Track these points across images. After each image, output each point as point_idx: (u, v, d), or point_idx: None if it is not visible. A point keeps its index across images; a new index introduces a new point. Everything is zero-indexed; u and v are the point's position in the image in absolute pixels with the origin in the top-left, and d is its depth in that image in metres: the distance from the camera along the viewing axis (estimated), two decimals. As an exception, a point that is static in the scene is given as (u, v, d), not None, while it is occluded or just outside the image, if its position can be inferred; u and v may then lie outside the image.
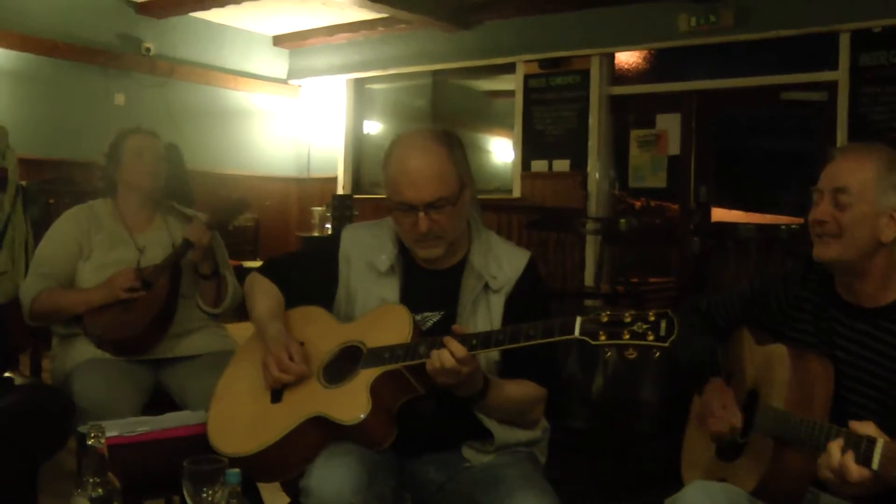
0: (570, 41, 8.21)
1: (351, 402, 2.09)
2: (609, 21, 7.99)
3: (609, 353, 1.89)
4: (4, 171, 5.19)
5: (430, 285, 2.31)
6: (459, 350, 2.01)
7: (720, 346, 2.36)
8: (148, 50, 8.90)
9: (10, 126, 5.48)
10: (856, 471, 1.68)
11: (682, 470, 2.36)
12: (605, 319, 1.88)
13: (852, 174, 2.00)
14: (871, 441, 1.67)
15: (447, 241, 2.26)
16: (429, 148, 2.21)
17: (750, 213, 9.24)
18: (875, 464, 1.65)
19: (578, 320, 1.91)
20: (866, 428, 1.71)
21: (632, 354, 1.85)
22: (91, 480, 1.64)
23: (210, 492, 1.71)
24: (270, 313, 2.37)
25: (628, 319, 1.86)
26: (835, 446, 1.72)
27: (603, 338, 1.87)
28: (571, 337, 1.92)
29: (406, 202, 2.20)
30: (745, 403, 2.19)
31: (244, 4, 8.47)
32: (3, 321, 2.67)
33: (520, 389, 2.24)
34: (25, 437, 2.44)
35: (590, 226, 7.11)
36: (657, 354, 1.83)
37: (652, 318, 1.84)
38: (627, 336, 1.85)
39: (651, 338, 1.82)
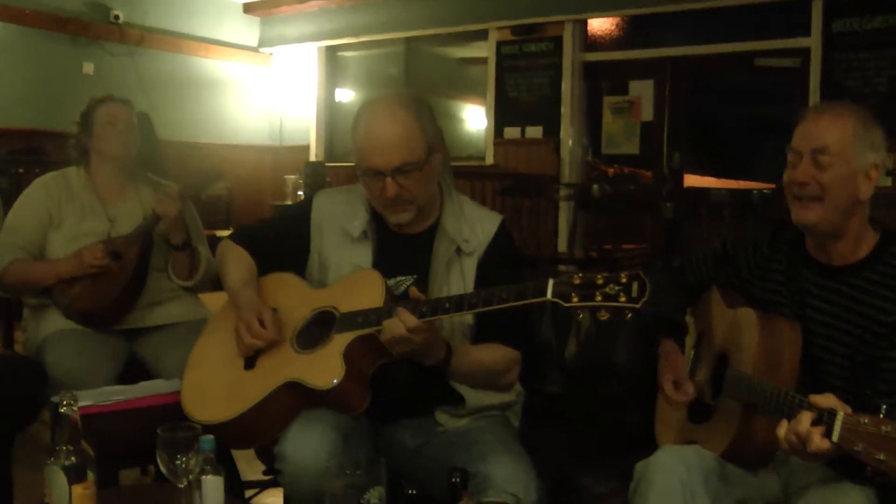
0: (543, 8, 8.16)
1: (325, 368, 2.09)
2: (582, -13, 7.95)
3: (581, 315, 1.89)
4: (-28, 141, 5.14)
5: (402, 250, 2.32)
6: (410, 320, 2.02)
7: (691, 306, 2.38)
8: (117, 17, 8.77)
9: (-23, 96, 5.41)
10: (818, 441, 1.69)
11: (656, 431, 2.38)
12: (577, 282, 1.90)
13: (830, 134, 2.00)
14: (832, 413, 1.68)
15: (417, 206, 2.27)
16: (396, 114, 2.22)
17: (723, 180, 9.29)
18: (835, 436, 1.66)
19: (551, 282, 1.92)
20: (827, 400, 1.72)
21: (604, 316, 1.87)
22: (64, 448, 1.64)
23: (184, 459, 1.71)
24: (242, 281, 2.37)
25: (600, 281, 1.87)
26: (807, 416, 1.73)
27: (575, 300, 1.88)
28: (544, 299, 1.93)
29: (373, 168, 2.21)
30: (715, 366, 2.21)
31: (214, -29, 8.38)
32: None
33: (490, 354, 2.26)
34: (-1, 406, 2.43)
35: (563, 192, 7.11)
36: (629, 316, 1.85)
37: (624, 280, 1.85)
38: (599, 298, 1.86)
39: (623, 299, 1.84)
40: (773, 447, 1.93)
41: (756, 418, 1.98)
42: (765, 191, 5.72)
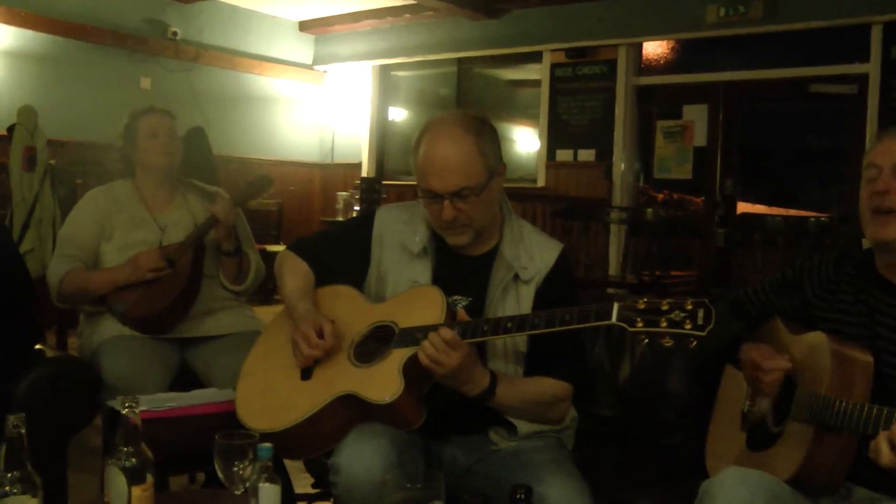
0: (597, 30, 8.16)
1: (383, 382, 2.08)
2: (637, 10, 7.94)
3: (645, 341, 1.86)
4: (34, 151, 5.25)
5: (461, 270, 2.30)
6: (446, 332, 2.02)
7: (750, 336, 2.34)
8: (174, 34, 8.93)
9: (40, 108, 5.52)
10: None
11: (707, 461, 2.34)
12: (642, 307, 1.87)
13: None
14: None
15: (474, 229, 2.25)
16: (457, 136, 2.19)
17: (774, 208, 9.18)
18: None
19: (616, 306, 1.90)
20: None
21: (668, 342, 1.83)
22: (125, 450, 1.64)
23: (241, 466, 1.71)
24: (300, 291, 2.36)
25: (665, 307, 1.84)
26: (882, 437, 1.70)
27: (640, 325, 1.85)
28: (608, 322, 1.90)
29: (431, 190, 2.20)
30: (780, 392, 2.17)
31: (271, -11, 8.50)
32: (35, 296, 2.69)
33: (537, 387, 2.22)
34: (57, 407, 2.46)
35: (615, 216, 7.08)
36: (693, 343, 1.81)
37: (689, 307, 1.82)
38: (665, 324, 1.83)
39: (688, 326, 1.81)
40: (843, 472, 1.89)
41: (829, 439, 1.93)
42: (821, 219, 5.63)
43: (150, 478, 1.66)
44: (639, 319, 1.86)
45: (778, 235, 5.33)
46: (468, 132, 2.19)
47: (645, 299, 1.89)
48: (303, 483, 2.74)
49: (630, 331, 1.87)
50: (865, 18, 6.87)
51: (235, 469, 1.71)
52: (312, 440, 2.17)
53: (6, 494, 1.56)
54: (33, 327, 2.69)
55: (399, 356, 2.11)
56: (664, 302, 1.86)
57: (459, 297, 2.26)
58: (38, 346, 2.70)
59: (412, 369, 2.08)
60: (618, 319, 1.89)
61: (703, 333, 1.80)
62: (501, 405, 2.17)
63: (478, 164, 2.18)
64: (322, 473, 2.15)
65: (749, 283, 2.42)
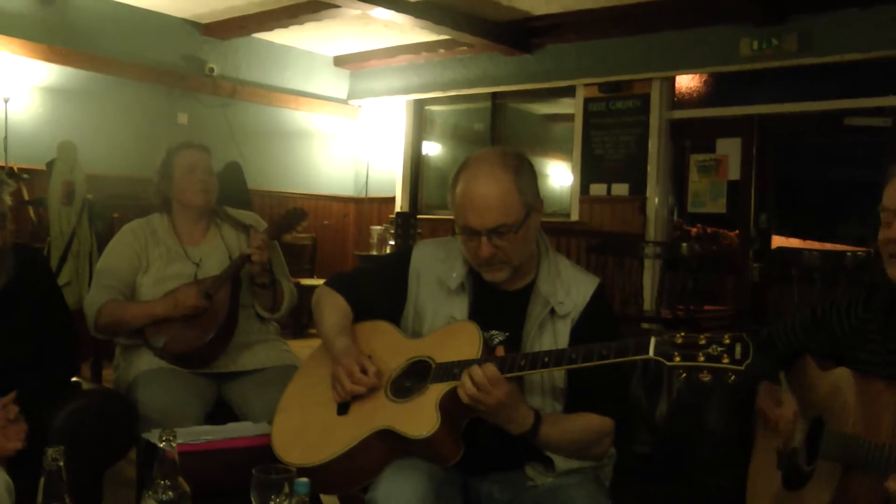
0: (630, 65, 8.17)
1: (420, 417, 2.08)
2: (670, 45, 7.95)
3: (683, 375, 1.85)
4: (72, 186, 5.32)
5: (498, 306, 2.30)
6: (489, 369, 2.01)
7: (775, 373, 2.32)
8: (211, 70, 9.05)
9: (78, 143, 5.62)
10: None
11: (748, 500, 2.32)
12: (679, 341, 1.86)
13: None
14: None
15: (512, 266, 2.25)
16: (495, 173, 2.19)
17: (809, 242, 9.10)
18: None
19: (653, 340, 1.89)
20: None
21: (706, 377, 1.82)
22: (162, 483, 1.65)
23: (278, 500, 1.71)
24: (338, 327, 2.37)
25: (703, 342, 1.83)
26: None
27: (678, 359, 1.84)
28: (646, 357, 1.89)
29: (469, 227, 2.19)
30: (810, 431, 2.14)
31: (306, 25, 8.59)
32: (74, 330, 2.71)
33: (580, 424, 2.20)
34: (93, 440, 2.48)
35: (650, 250, 7.04)
36: (732, 378, 1.80)
37: (727, 342, 1.80)
38: (702, 358, 1.81)
39: (726, 361, 1.79)
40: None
41: (855, 479, 1.91)
42: (858, 253, 5.57)
43: (187, 512, 1.67)
44: (676, 354, 1.85)
45: (815, 271, 5.27)
46: (506, 169, 2.19)
47: (682, 333, 1.88)
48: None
49: (668, 365, 1.86)
50: (900, 51, 6.82)
51: (272, 503, 1.71)
52: (349, 475, 2.17)
53: (45, 527, 1.57)
54: (71, 360, 2.71)
55: (436, 391, 2.10)
56: (702, 336, 1.84)
57: (496, 333, 2.25)
58: (74, 379, 2.72)
59: (449, 405, 2.08)
60: (655, 354, 1.88)
61: (742, 368, 1.78)
62: (545, 443, 2.16)
63: (516, 201, 2.18)
64: (358, 507, 2.14)
65: (782, 320, 2.40)
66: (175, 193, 3.26)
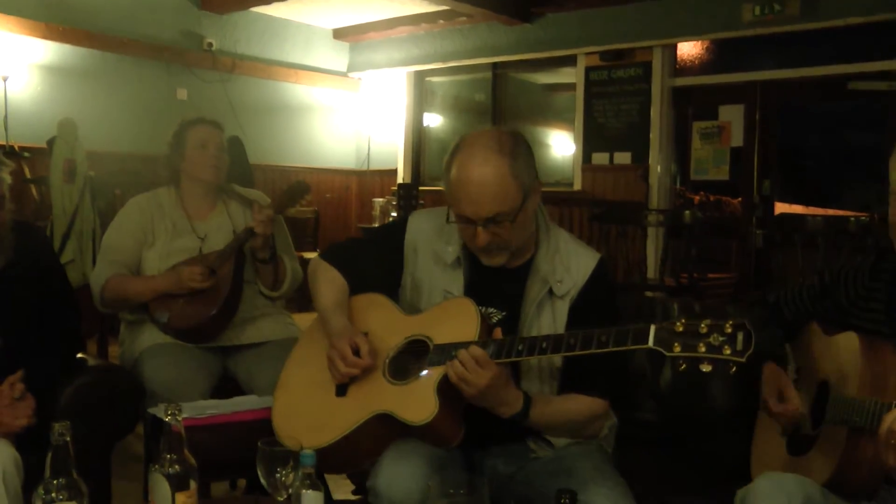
0: (631, 33, 8.11)
1: (419, 402, 2.06)
2: (671, 12, 7.88)
3: (683, 367, 1.83)
4: (73, 164, 5.31)
5: (495, 282, 2.26)
6: (476, 351, 1.99)
7: (789, 342, 2.32)
8: (210, 45, 9.00)
9: (79, 121, 5.59)
10: None
11: (752, 465, 2.32)
12: (679, 329, 1.83)
13: None
14: None
15: (509, 251, 2.21)
16: (490, 159, 2.10)
17: (812, 208, 9.09)
18: None
19: (653, 329, 1.87)
20: None
21: (707, 368, 1.80)
22: (168, 457, 1.66)
23: (284, 472, 1.72)
24: (334, 304, 2.34)
25: (704, 330, 1.80)
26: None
27: (677, 349, 1.82)
28: (645, 346, 1.87)
29: (464, 216, 2.15)
30: (817, 396, 2.15)
31: (305, -2, 8.54)
32: (77, 306, 2.72)
33: (572, 406, 2.19)
34: (100, 415, 2.49)
35: (653, 218, 7.03)
36: (733, 369, 1.78)
37: (729, 330, 1.78)
38: (703, 349, 1.79)
39: (727, 352, 1.77)
40: (880, 474, 1.86)
41: (862, 442, 1.91)
42: (862, 218, 5.55)
43: (193, 484, 1.68)
44: (676, 343, 1.82)
45: (818, 236, 5.25)
46: (502, 154, 2.11)
47: (683, 320, 1.85)
48: (343, 489, 2.75)
49: (667, 355, 1.84)
50: (903, 13, 6.77)
51: (278, 476, 1.72)
52: (350, 457, 2.16)
53: (53, 501, 1.58)
54: (75, 337, 2.72)
55: (434, 375, 2.08)
56: (703, 324, 1.81)
57: (494, 311, 2.23)
58: (80, 355, 2.72)
59: (448, 388, 2.06)
60: (655, 343, 1.86)
61: (743, 360, 1.76)
62: (536, 425, 2.15)
63: (512, 188, 2.11)
64: (363, 481, 2.14)
65: (787, 285, 2.39)
66: (186, 167, 3.26)
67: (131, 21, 8.38)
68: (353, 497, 2.64)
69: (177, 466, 1.66)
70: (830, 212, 8.28)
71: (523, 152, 2.16)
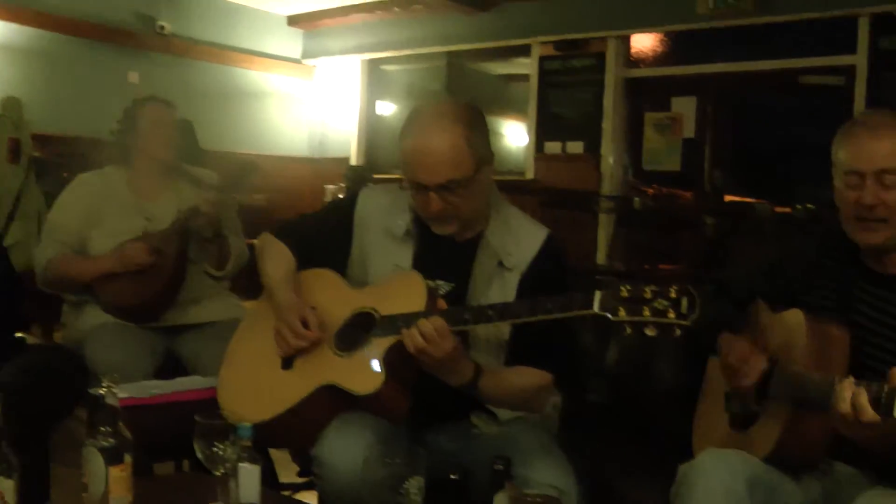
0: (586, 23, 8.13)
1: (364, 372, 2.06)
2: (626, 3, 7.90)
3: (628, 331, 1.84)
4: (18, 143, 5.22)
5: (445, 255, 2.27)
6: (437, 321, 1.99)
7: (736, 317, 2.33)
8: (162, 28, 8.86)
9: (25, 102, 5.49)
10: (869, 413, 1.67)
11: (694, 442, 2.34)
12: (624, 294, 1.84)
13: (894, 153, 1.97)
14: (893, 390, 1.65)
15: (461, 220, 2.22)
16: (444, 127, 2.13)
17: (764, 202, 9.16)
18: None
19: (598, 295, 1.88)
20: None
21: (651, 332, 1.81)
22: (102, 430, 1.63)
23: (222, 446, 1.70)
24: (282, 278, 2.33)
25: (648, 295, 1.82)
26: (847, 381, 1.72)
27: (623, 314, 1.83)
28: (590, 312, 1.88)
29: (417, 182, 2.15)
30: (761, 372, 2.16)
31: (259, -17, 8.45)
32: (19, 285, 2.66)
33: (520, 378, 2.20)
34: (39, 393, 2.44)
35: (604, 205, 7.06)
36: (678, 332, 1.79)
37: (673, 295, 1.80)
38: (648, 313, 1.81)
39: (672, 315, 1.79)
40: (821, 447, 1.89)
41: (805, 415, 1.94)
42: (808, 206, 5.61)
43: (128, 458, 1.65)
44: (621, 308, 1.84)
45: (767, 223, 5.32)
46: (457, 122, 2.14)
47: (628, 286, 1.86)
48: (289, 473, 2.73)
49: (612, 320, 1.85)
50: (854, 10, 6.85)
51: (215, 449, 1.70)
52: (296, 431, 2.15)
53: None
54: (15, 318, 2.67)
55: (380, 345, 2.08)
56: (648, 289, 1.83)
57: (442, 283, 2.23)
58: (19, 335, 2.67)
59: (393, 359, 2.06)
60: (600, 308, 1.87)
61: (688, 323, 1.78)
62: (484, 395, 2.16)
63: (466, 155, 2.13)
64: (308, 463, 2.13)
65: (736, 266, 2.41)
66: (139, 145, 3.21)
67: (82, 1, 8.23)
68: (299, 480, 2.62)
69: (111, 440, 1.63)
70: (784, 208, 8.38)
71: (479, 123, 2.20)
